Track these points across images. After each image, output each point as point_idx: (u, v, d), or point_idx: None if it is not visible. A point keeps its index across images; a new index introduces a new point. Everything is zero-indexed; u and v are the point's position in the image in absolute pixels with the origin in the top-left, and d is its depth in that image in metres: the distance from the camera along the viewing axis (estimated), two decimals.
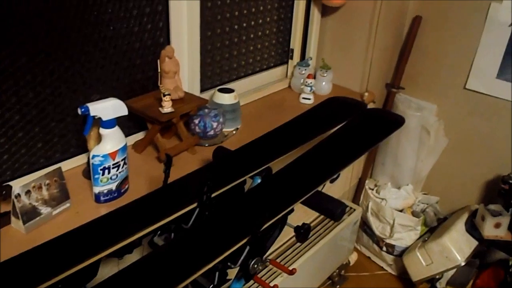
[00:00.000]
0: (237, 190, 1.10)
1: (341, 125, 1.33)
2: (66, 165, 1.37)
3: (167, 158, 1.03)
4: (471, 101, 2.10)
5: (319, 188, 1.07)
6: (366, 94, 2.01)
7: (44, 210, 1.14)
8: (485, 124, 2.09)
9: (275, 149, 1.19)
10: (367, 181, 2.36)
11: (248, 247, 0.90)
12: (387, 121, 1.36)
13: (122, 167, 1.23)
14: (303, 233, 0.98)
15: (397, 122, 1.37)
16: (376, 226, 2.23)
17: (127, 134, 1.50)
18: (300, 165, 1.13)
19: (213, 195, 1.00)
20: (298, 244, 1.77)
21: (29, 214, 1.10)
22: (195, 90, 1.66)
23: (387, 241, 2.20)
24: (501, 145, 2.07)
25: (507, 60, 1.96)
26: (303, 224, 0.99)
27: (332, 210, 1.00)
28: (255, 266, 0.91)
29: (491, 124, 2.08)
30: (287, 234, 1.64)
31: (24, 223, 1.09)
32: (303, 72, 1.99)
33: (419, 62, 2.19)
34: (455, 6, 2.02)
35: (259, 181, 1.13)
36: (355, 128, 1.29)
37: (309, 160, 1.15)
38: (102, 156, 1.18)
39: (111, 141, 1.19)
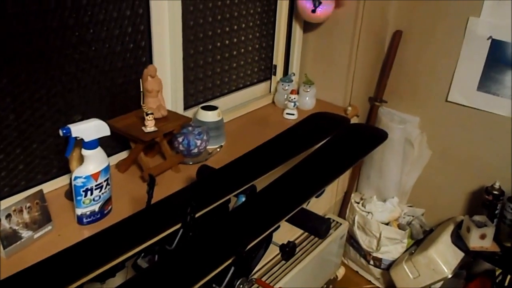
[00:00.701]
0: (221, 209, 1.09)
1: (325, 141, 1.34)
2: (48, 187, 1.35)
3: (150, 179, 1.03)
4: (453, 113, 2.13)
5: (304, 205, 1.07)
6: (349, 108, 2.02)
7: (25, 234, 1.12)
8: (468, 135, 2.12)
9: (259, 167, 1.19)
10: (352, 195, 2.36)
11: (233, 268, 0.89)
12: (370, 136, 1.37)
13: (105, 188, 1.22)
14: (288, 251, 0.97)
15: (380, 136, 1.38)
16: (363, 239, 2.23)
17: (110, 154, 1.49)
18: (284, 183, 1.13)
19: (197, 215, 1.00)
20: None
21: (10, 238, 1.08)
22: (179, 108, 1.65)
23: (374, 254, 2.20)
24: (484, 156, 2.10)
25: (487, 73, 2.00)
26: (288, 242, 0.98)
27: (317, 228, 1.00)
28: (241, 286, 0.91)
29: (473, 135, 2.11)
30: (273, 251, 1.63)
31: (4, 247, 1.07)
32: (287, 87, 2.00)
33: (401, 75, 2.22)
34: (434, 20, 2.06)
35: (243, 199, 1.12)
36: (338, 144, 1.29)
37: (293, 177, 1.15)
38: (85, 178, 1.16)
39: (94, 162, 1.18)
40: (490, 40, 1.96)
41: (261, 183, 1.16)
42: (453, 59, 2.06)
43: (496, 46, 1.96)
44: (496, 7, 1.91)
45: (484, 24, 1.95)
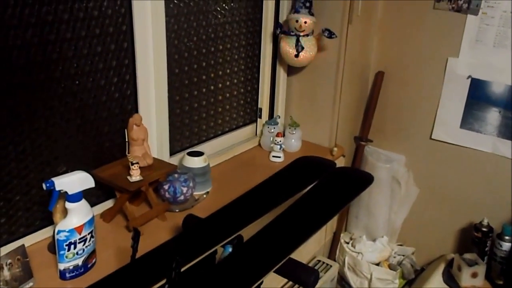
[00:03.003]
0: (207, 260, 1.07)
1: (311, 186, 1.34)
2: (30, 239, 1.32)
3: (135, 233, 1.01)
4: (438, 151, 2.16)
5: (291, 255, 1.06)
6: (335, 149, 2.04)
7: None
8: (453, 172, 2.14)
9: (245, 216, 1.18)
10: (342, 235, 2.35)
11: None
12: (356, 180, 1.38)
13: (89, 240, 1.20)
14: None
15: (366, 180, 1.39)
16: (354, 281, 2.20)
17: (95, 203, 1.47)
18: (271, 232, 1.12)
19: (182, 269, 0.98)
20: None
21: None
22: (165, 155, 1.65)
23: None
24: (470, 193, 2.11)
25: (469, 110, 2.04)
26: None
27: (305, 279, 0.99)
28: None
29: (459, 172, 2.13)
30: None
31: None
32: (272, 130, 2.01)
33: (385, 114, 2.26)
34: (414, 61, 2.12)
35: (230, 250, 1.11)
36: (324, 190, 1.30)
37: (280, 226, 1.14)
38: (68, 231, 1.14)
39: (77, 215, 1.16)
40: (469, 79, 2.01)
41: (248, 231, 1.15)
42: (435, 98, 2.10)
43: (476, 85, 2.01)
44: (473, 48, 1.97)
45: (463, 64, 2.01)
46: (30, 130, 1.26)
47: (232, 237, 1.11)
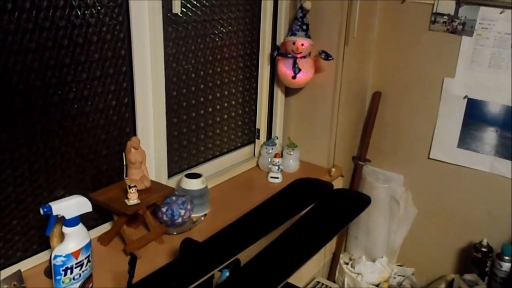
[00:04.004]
0: (205, 285, 1.07)
1: (309, 208, 1.34)
2: (27, 264, 1.32)
3: (131, 258, 1.01)
4: (436, 170, 2.16)
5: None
6: (333, 170, 2.04)
7: None
8: (452, 192, 2.14)
9: (243, 239, 1.18)
10: (341, 255, 2.33)
11: None
12: (354, 202, 1.38)
13: (86, 265, 1.19)
14: None
15: (364, 201, 1.39)
16: None
17: (92, 226, 1.47)
18: (268, 255, 1.12)
19: None
20: None
21: None
22: (163, 177, 1.65)
23: None
24: (469, 213, 2.11)
25: (466, 130, 2.05)
26: None
27: None
28: None
29: (457, 192, 2.13)
30: None
31: None
32: (270, 151, 2.02)
33: (383, 134, 2.27)
34: (411, 81, 2.13)
35: (227, 274, 1.10)
36: (322, 212, 1.30)
37: (277, 250, 1.14)
38: (65, 256, 1.14)
39: (74, 240, 1.16)
40: (466, 99, 2.03)
41: (245, 254, 1.15)
42: (432, 118, 2.11)
43: (472, 105, 2.02)
44: (469, 69, 1.98)
45: (459, 84, 2.02)
46: (28, 154, 1.27)
47: (229, 261, 1.10)
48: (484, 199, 2.06)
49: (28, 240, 1.33)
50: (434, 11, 1.99)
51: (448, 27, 1.98)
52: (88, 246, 1.19)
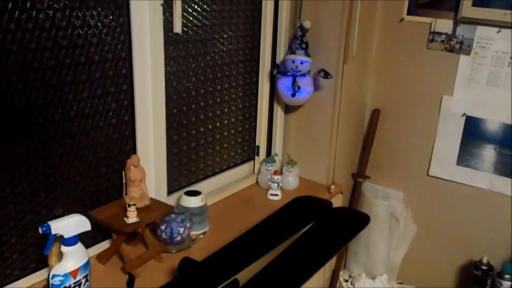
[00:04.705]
0: None
1: (307, 228, 1.34)
2: (25, 282, 1.32)
3: (129, 279, 1.01)
4: (435, 187, 2.16)
5: None
6: (333, 187, 2.04)
7: None
8: (451, 209, 2.14)
9: (241, 258, 1.18)
10: (341, 273, 2.32)
11: None
12: (353, 221, 1.38)
13: (84, 284, 1.19)
14: None
15: (363, 220, 1.39)
16: None
17: (91, 244, 1.47)
18: (267, 276, 1.11)
19: None
20: None
21: None
22: (162, 194, 1.65)
23: None
24: (469, 230, 2.10)
25: (465, 147, 2.06)
26: None
27: None
28: None
29: (457, 209, 2.12)
30: None
31: None
32: (270, 168, 2.03)
33: (382, 151, 2.27)
34: (410, 99, 2.15)
35: None
36: (321, 231, 1.30)
37: (276, 269, 1.13)
38: (63, 276, 1.14)
39: (73, 259, 1.16)
40: (464, 117, 2.04)
41: (244, 273, 1.15)
42: (431, 135, 2.12)
43: (471, 122, 2.03)
44: (467, 87, 2.00)
45: (457, 102, 2.04)
46: (28, 172, 1.27)
47: (228, 281, 1.10)
48: (484, 216, 2.06)
49: (27, 258, 1.33)
50: (432, 30, 2.01)
51: (446, 45, 2.00)
52: (86, 265, 1.19)
